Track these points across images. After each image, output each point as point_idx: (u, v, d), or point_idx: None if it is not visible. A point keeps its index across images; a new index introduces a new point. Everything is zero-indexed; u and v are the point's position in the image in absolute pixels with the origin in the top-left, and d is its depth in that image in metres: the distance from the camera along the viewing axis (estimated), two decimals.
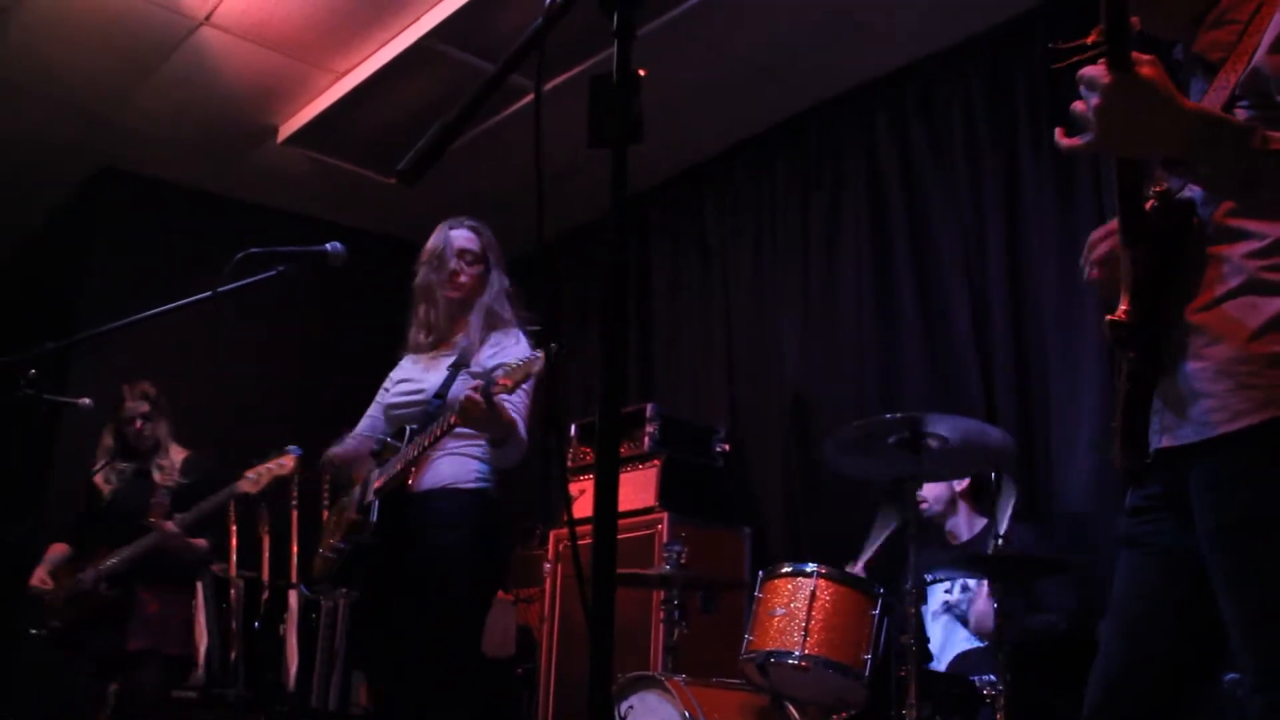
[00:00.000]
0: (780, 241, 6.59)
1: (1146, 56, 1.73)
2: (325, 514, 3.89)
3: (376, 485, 3.65)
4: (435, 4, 5.77)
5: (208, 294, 3.37)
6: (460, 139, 1.76)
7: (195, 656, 5.38)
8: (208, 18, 5.96)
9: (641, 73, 1.62)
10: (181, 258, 6.63)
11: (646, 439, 6.05)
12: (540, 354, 3.42)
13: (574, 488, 6.13)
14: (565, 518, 6.86)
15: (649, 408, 6.15)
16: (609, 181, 1.62)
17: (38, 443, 5.09)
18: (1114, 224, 2.08)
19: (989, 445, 4.31)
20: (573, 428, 6.63)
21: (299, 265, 3.58)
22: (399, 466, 3.61)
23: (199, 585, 6.22)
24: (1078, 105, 1.78)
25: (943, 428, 4.14)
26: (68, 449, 5.33)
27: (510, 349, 3.82)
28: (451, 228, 4.04)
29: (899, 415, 4.17)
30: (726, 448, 6.32)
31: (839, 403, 5.93)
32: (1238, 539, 1.89)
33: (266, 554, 6.57)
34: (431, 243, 4.02)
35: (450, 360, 3.83)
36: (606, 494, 1.55)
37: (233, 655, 6.27)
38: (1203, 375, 1.94)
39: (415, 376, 3.89)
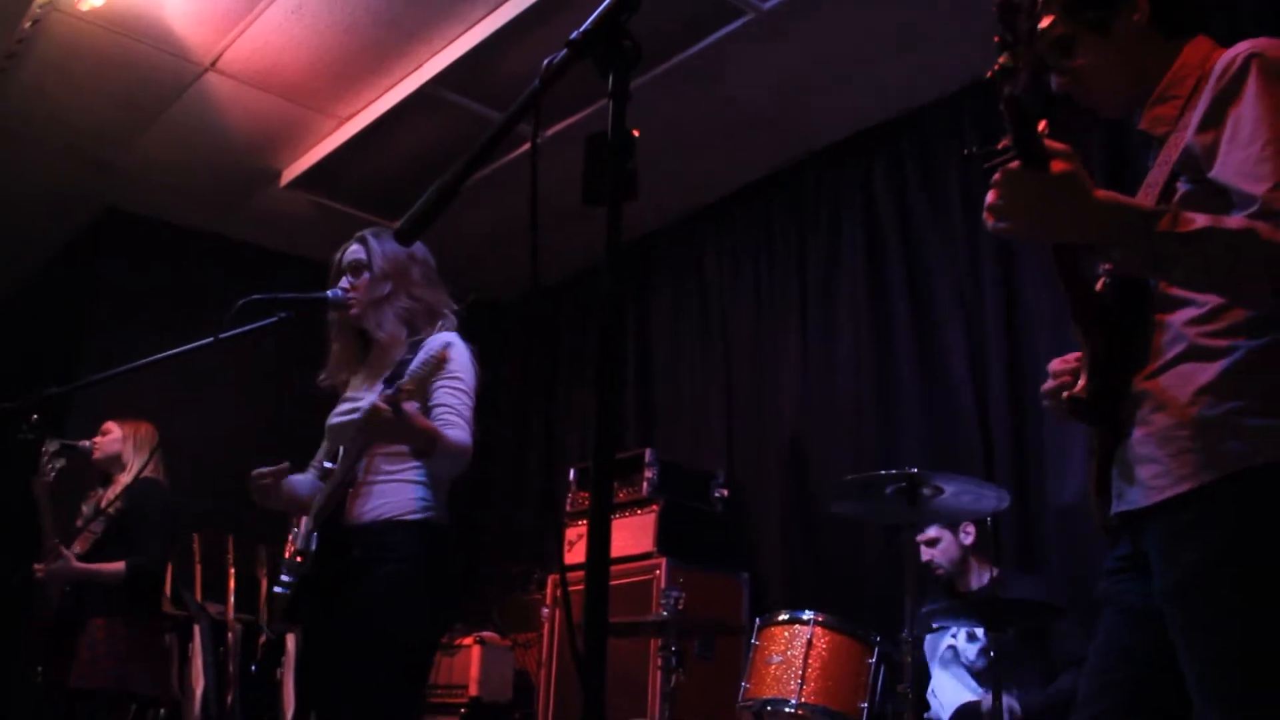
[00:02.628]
0: (778, 288, 6.64)
1: (1061, 148, 1.85)
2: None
3: (316, 510, 3.46)
4: (437, 51, 5.84)
5: (209, 340, 3.38)
6: (463, 185, 1.78)
7: (136, 689, 5.19)
8: (213, 64, 6.03)
9: (635, 133, 1.65)
10: (185, 299, 6.69)
11: (645, 484, 6.06)
12: (445, 349, 3.21)
13: (572, 533, 6.14)
14: (559, 564, 6.89)
15: (648, 453, 6.15)
16: (605, 234, 1.66)
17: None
18: (1072, 356, 2.26)
19: (984, 501, 4.36)
20: (571, 472, 6.64)
21: (301, 310, 3.59)
22: (330, 491, 3.41)
23: (197, 629, 6.24)
24: (990, 196, 1.89)
25: (940, 483, 4.17)
26: (69, 491, 5.34)
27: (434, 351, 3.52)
28: (344, 246, 3.73)
29: (894, 471, 4.22)
30: (725, 493, 6.31)
31: (836, 449, 5.96)
32: (1188, 597, 1.97)
33: (264, 597, 6.57)
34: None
35: (386, 375, 3.56)
36: (599, 543, 1.57)
37: (229, 699, 6.27)
38: (1148, 441, 2.04)
39: (352, 396, 3.64)
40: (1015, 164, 1.85)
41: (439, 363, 3.31)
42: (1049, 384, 2.31)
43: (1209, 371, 1.98)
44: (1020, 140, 1.83)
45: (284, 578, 3.52)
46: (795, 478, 6.19)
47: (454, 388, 3.49)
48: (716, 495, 6.30)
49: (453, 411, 3.46)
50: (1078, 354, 2.25)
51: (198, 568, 6.67)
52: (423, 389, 3.48)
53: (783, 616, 4.48)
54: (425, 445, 3.36)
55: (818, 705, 4.21)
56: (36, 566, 4.93)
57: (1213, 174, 1.96)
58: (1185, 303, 2.04)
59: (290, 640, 6.30)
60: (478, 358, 3.63)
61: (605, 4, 1.69)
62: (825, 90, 5.89)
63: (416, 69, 6.00)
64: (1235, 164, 1.93)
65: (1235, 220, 1.86)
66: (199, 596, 6.56)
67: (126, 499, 5.09)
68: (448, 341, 3.42)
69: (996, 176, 1.86)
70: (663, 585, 5.49)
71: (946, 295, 5.67)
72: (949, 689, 4.68)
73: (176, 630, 6.31)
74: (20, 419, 4.04)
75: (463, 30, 5.67)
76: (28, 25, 5.71)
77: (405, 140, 6.46)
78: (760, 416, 6.53)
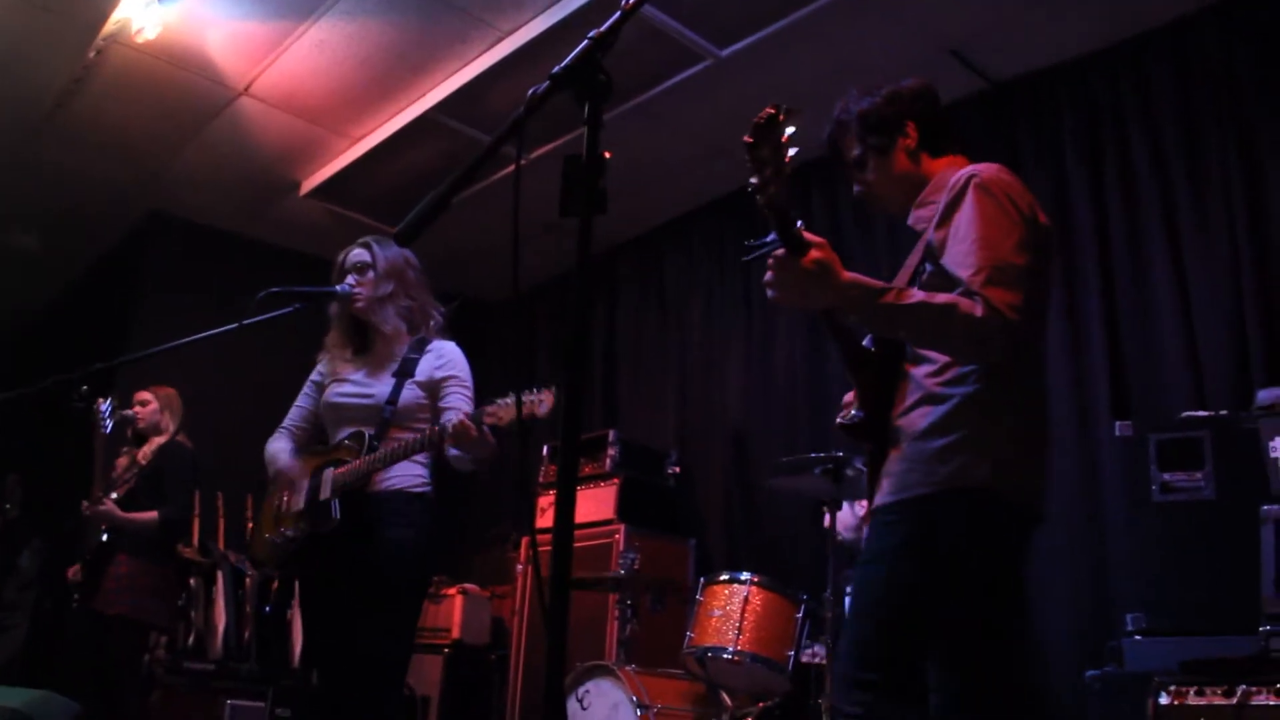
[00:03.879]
0: (727, 296, 6.62)
1: (818, 240, 2.12)
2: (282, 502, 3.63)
3: (338, 481, 3.41)
4: (439, 83, 5.80)
5: (233, 326, 3.33)
6: (455, 197, 1.76)
7: (149, 620, 5.02)
8: (246, 89, 5.98)
9: (607, 155, 1.63)
10: (215, 291, 6.58)
11: (608, 460, 6.04)
12: (545, 397, 3.13)
13: (543, 501, 6.11)
14: (530, 528, 6.85)
15: (611, 433, 6.14)
16: (578, 244, 1.64)
17: (86, 448, 5.04)
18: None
19: None
20: (544, 449, 6.62)
21: (313, 303, 3.54)
22: (362, 467, 3.37)
23: (219, 574, 6.19)
24: (767, 275, 2.15)
25: (861, 465, 4.17)
26: (113, 454, 5.31)
27: (452, 359, 3.58)
28: (346, 250, 3.69)
29: (822, 454, 4.23)
30: (677, 470, 6.31)
31: (773, 434, 5.95)
32: (875, 563, 2.32)
33: (249, 541, 6.52)
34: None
35: (392, 368, 3.55)
36: (565, 510, 1.55)
37: (246, 635, 6.21)
38: (894, 461, 2.33)
39: (359, 381, 3.58)
40: (782, 252, 2.11)
41: (528, 413, 3.21)
42: (841, 414, 2.58)
43: (936, 413, 2.28)
44: (783, 235, 2.10)
45: (285, 530, 3.49)
46: (737, 458, 6.19)
47: (462, 392, 3.53)
48: (670, 471, 6.28)
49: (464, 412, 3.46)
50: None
51: (221, 521, 6.61)
52: (434, 391, 3.49)
53: (723, 576, 4.47)
54: (489, 457, 3.40)
55: (751, 652, 4.20)
56: (84, 505, 4.90)
57: (943, 261, 2.28)
58: (924, 360, 2.34)
59: (299, 585, 6.24)
60: (462, 348, 3.66)
61: (584, 44, 1.67)
62: None
63: (419, 98, 5.95)
64: (954, 255, 2.24)
65: (942, 296, 2.16)
66: (221, 546, 6.50)
67: (159, 457, 5.10)
68: (538, 396, 3.23)
69: (770, 261, 2.13)
70: (621, 548, 5.48)
71: None
72: None
73: (202, 575, 6.26)
74: (73, 389, 3.98)
75: (460, 66, 5.64)
76: (92, 55, 5.66)
77: (408, 158, 6.40)
78: (709, 405, 6.51)
